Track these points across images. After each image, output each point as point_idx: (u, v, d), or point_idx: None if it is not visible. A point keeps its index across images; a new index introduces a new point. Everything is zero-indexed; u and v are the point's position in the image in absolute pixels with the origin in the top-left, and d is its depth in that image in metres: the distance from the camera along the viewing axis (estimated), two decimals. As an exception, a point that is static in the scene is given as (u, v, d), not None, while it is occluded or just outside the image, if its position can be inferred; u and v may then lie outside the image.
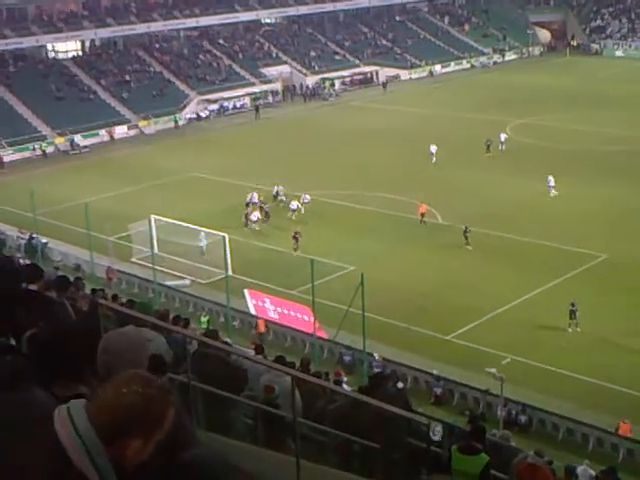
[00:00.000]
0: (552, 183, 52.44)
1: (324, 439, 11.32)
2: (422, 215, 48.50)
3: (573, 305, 35.59)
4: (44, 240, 46.34)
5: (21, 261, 21.21)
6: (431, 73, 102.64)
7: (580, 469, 20.71)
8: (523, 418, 29.53)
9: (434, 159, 60.01)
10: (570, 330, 35.53)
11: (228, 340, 27.42)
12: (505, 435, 17.40)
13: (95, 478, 3.08)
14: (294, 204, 50.55)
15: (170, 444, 3.91)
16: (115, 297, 21.51)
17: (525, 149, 63.49)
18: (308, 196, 52.01)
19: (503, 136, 64.37)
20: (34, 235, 46.14)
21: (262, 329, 37.09)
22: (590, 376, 31.90)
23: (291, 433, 9.73)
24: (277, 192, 53.68)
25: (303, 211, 50.72)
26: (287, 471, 7.02)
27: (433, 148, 60.71)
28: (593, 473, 20.73)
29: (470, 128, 70.20)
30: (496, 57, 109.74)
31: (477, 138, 64.54)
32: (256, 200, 51.51)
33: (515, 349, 33.72)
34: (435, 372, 32.14)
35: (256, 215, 49.43)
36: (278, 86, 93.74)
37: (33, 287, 7.60)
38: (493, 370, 27.58)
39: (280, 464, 7.63)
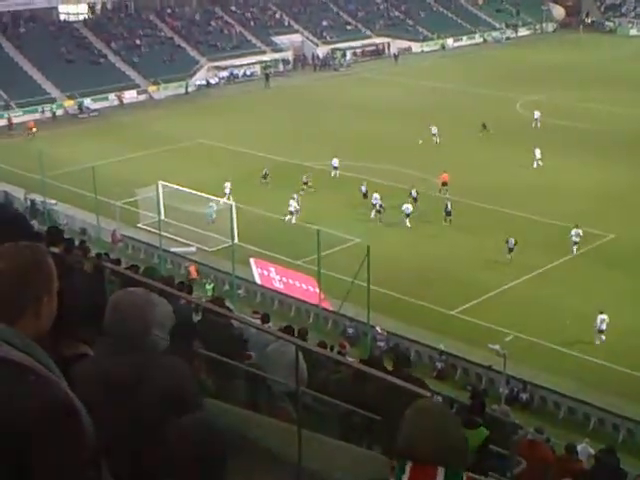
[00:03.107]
0: (538, 155, 53.24)
1: (325, 409, 11.31)
2: (443, 184, 48.53)
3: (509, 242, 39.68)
4: (52, 201, 46.40)
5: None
6: (443, 47, 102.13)
7: (580, 447, 20.70)
8: (524, 395, 29.55)
9: (437, 139, 58.76)
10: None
11: (232, 308, 27.43)
12: (505, 410, 17.36)
13: (29, 361, 3.10)
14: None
15: (175, 408, 3.87)
16: (118, 262, 21.27)
17: (533, 126, 63.06)
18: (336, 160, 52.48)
19: (537, 113, 63.96)
20: (34, 198, 46.42)
21: (194, 274, 38.21)
22: (593, 356, 31.90)
23: (294, 402, 9.72)
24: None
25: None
26: (288, 439, 6.99)
27: (434, 129, 59.20)
28: (592, 452, 20.72)
29: (480, 103, 69.88)
30: (509, 32, 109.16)
31: (486, 113, 64.22)
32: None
33: (519, 326, 33.71)
34: (442, 346, 32.14)
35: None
36: (289, 55, 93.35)
37: (54, 250, 7.56)
38: (496, 346, 27.53)
39: (281, 432, 7.61)
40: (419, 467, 3.19)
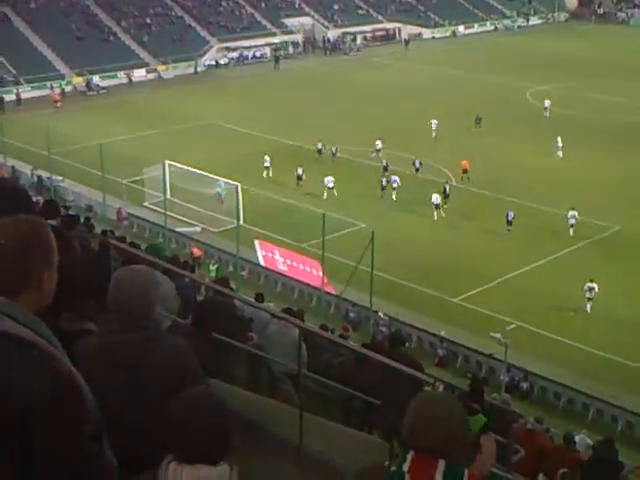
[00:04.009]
0: (560, 144, 53.20)
1: (326, 392, 11.33)
2: (464, 171, 48.53)
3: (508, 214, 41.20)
4: (59, 177, 46.43)
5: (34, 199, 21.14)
6: (454, 33, 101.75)
7: (578, 438, 20.74)
8: (525, 385, 29.61)
9: (434, 134, 57.19)
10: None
11: (235, 289, 27.44)
12: (505, 399, 17.39)
13: (32, 336, 3.10)
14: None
15: (178, 386, 3.89)
16: (123, 240, 21.26)
17: (543, 115, 62.91)
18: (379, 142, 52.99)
19: (547, 102, 63.77)
20: (41, 174, 46.50)
21: (197, 253, 38.62)
22: (595, 347, 31.88)
23: (295, 384, 9.74)
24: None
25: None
26: (288, 421, 7.02)
27: (434, 123, 57.76)
28: (590, 442, 20.76)
29: (490, 91, 69.68)
30: (520, 21, 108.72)
31: (496, 102, 64.09)
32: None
33: (521, 316, 33.70)
34: (443, 333, 32.18)
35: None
36: (299, 38, 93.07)
37: (52, 222, 7.56)
38: (498, 335, 27.56)
39: (282, 414, 7.63)
40: (420, 457, 3.20)
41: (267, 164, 49.94)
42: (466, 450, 3.30)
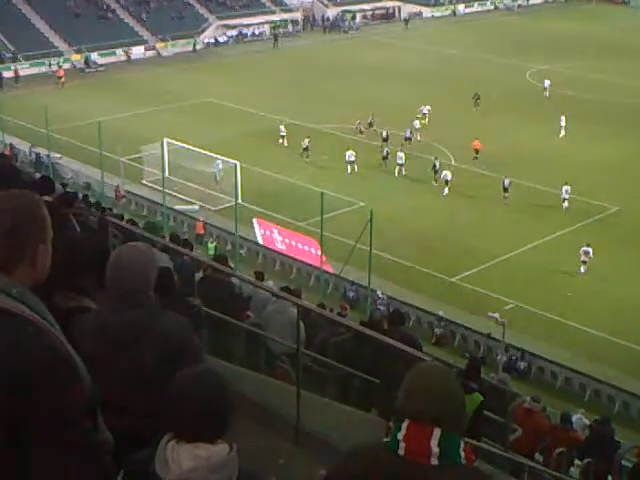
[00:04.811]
0: (563, 123, 53.47)
1: (324, 370, 11.36)
2: (476, 151, 48.60)
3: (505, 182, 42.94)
4: (58, 155, 46.34)
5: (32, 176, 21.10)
6: (454, 12, 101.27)
7: (575, 417, 20.81)
8: (522, 364, 29.67)
9: (424, 122, 55.05)
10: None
11: (233, 267, 27.47)
12: (503, 378, 17.43)
13: (27, 312, 3.10)
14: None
15: (176, 363, 3.88)
16: (121, 218, 21.27)
17: (543, 96, 62.77)
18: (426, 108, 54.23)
19: (547, 82, 63.65)
20: (39, 152, 46.41)
21: (200, 230, 39.14)
22: (593, 327, 31.93)
23: (293, 362, 9.76)
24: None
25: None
26: (286, 399, 7.03)
27: (425, 109, 56.32)
28: (587, 422, 20.84)
29: (490, 71, 69.53)
30: (520, 0, 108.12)
31: (495, 82, 63.95)
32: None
33: (520, 296, 33.75)
34: (441, 313, 32.22)
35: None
36: (298, 16, 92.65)
37: (46, 199, 7.54)
38: (496, 315, 27.55)
39: (280, 392, 7.64)
40: (415, 425, 3.20)
41: (283, 133, 51.88)
42: (462, 420, 3.31)
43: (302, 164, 47.76)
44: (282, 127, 52.18)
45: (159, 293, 8.41)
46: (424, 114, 55.13)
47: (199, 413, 3.26)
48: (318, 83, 65.91)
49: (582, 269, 36.04)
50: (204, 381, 3.37)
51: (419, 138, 52.02)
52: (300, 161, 48.23)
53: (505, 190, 43.19)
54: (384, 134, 50.39)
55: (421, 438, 3.18)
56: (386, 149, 48.38)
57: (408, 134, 51.01)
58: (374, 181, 46.03)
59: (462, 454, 3.23)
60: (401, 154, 47.11)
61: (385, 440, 3.27)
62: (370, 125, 53.16)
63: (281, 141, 51.69)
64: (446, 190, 44.33)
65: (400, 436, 3.21)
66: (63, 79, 66.65)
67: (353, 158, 47.04)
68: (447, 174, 44.66)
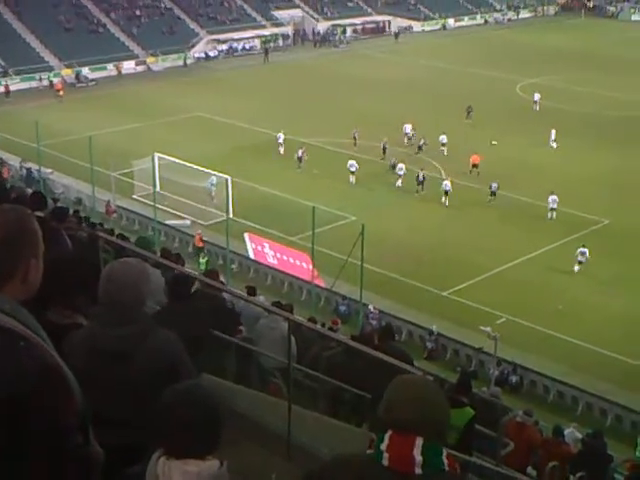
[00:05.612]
0: (553, 136, 53.94)
1: (316, 385, 11.34)
2: (474, 166, 48.71)
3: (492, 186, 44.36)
4: (49, 170, 46.25)
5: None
6: (444, 26, 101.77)
7: (567, 431, 20.81)
8: (514, 378, 29.65)
9: (406, 141, 54.68)
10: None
11: (225, 282, 27.41)
12: (495, 392, 17.43)
13: (18, 327, 3.08)
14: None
15: (168, 380, 3.87)
16: (111, 232, 21.22)
17: (533, 109, 63.02)
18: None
19: (537, 95, 63.90)
20: (30, 167, 46.34)
21: (199, 243, 39.07)
22: (585, 340, 31.92)
23: (284, 377, 9.73)
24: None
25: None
26: (278, 414, 7.02)
27: (407, 127, 54.97)
28: (580, 436, 20.83)
29: (480, 84, 69.77)
30: (510, 14, 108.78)
31: (486, 95, 64.18)
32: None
33: (511, 309, 33.75)
34: (434, 328, 32.17)
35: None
36: (289, 30, 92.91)
37: (38, 214, 7.53)
38: (487, 329, 27.58)
39: (271, 407, 7.63)
40: (398, 436, 3.23)
41: (281, 141, 52.36)
42: (443, 428, 3.33)
43: (294, 178, 47.73)
44: (281, 134, 52.49)
45: (174, 298, 8.41)
46: (406, 134, 54.74)
47: (189, 429, 3.26)
48: (309, 97, 66.03)
49: (576, 268, 37.06)
50: (193, 397, 3.36)
51: (445, 153, 52.20)
52: (292, 175, 48.20)
53: (492, 194, 44.36)
54: (382, 145, 51.04)
55: (404, 448, 3.21)
56: (393, 159, 48.65)
57: (421, 143, 51.92)
58: (368, 193, 46.12)
59: (445, 461, 3.26)
60: (402, 165, 47.41)
61: (369, 452, 3.28)
62: (383, 151, 51.79)
63: (280, 149, 52.15)
64: (445, 200, 44.69)
65: (383, 447, 3.23)
66: (62, 92, 66.69)
67: (354, 169, 47.34)
68: (447, 184, 44.93)
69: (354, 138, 53.21)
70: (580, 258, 37.04)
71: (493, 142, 53.77)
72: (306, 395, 10.51)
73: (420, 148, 52.36)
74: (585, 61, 78.72)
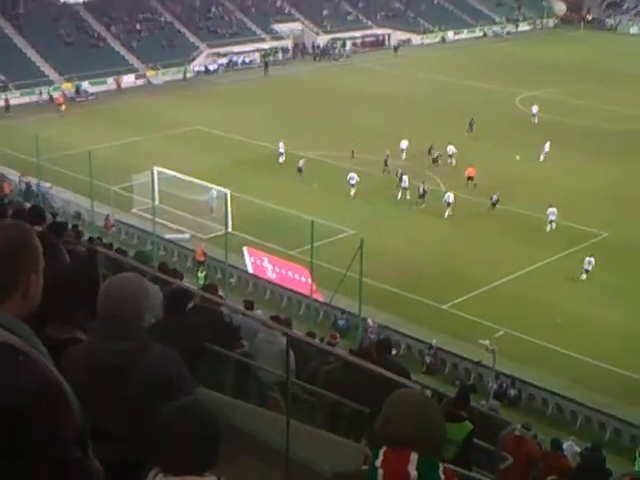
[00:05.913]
0: (547, 149, 54.18)
1: (314, 400, 11.33)
2: (470, 178, 48.84)
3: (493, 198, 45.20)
4: (48, 184, 46.26)
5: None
6: (443, 39, 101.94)
7: (566, 445, 20.78)
8: (513, 392, 29.62)
9: (404, 155, 54.03)
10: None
11: (224, 296, 27.42)
12: (493, 406, 17.41)
13: (17, 342, 3.10)
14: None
15: (166, 395, 3.89)
16: (110, 247, 21.24)
17: (532, 122, 63.09)
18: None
19: (535, 108, 63.99)
20: (29, 181, 46.35)
21: (201, 257, 39.18)
22: (583, 354, 31.94)
23: (283, 392, 9.74)
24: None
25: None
26: (276, 429, 7.03)
27: (404, 144, 54.31)
28: (578, 449, 20.80)
29: (479, 97, 69.84)
30: (509, 27, 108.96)
31: (485, 108, 64.27)
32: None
33: (510, 322, 33.75)
34: (434, 342, 32.13)
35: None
36: (289, 43, 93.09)
37: (37, 228, 7.56)
38: (486, 342, 27.60)
39: (269, 422, 7.64)
40: (392, 451, 3.23)
41: (282, 150, 53.05)
42: (439, 443, 3.33)
43: (293, 191, 47.75)
44: (281, 144, 53.07)
45: (170, 311, 8.45)
46: (402, 150, 54.40)
47: (186, 445, 3.27)
48: (308, 110, 66.08)
49: (583, 276, 37.97)
50: (191, 413, 3.37)
51: (454, 164, 52.37)
52: (291, 188, 48.23)
53: (493, 205, 45.03)
54: (385, 157, 51.24)
55: (398, 464, 3.21)
56: (399, 170, 48.77)
57: (436, 155, 52.32)
58: (367, 206, 46.17)
59: (442, 476, 3.25)
60: (406, 177, 47.56)
61: (364, 468, 3.29)
62: (385, 164, 51.77)
63: (280, 159, 52.77)
64: (448, 213, 45.03)
65: (378, 463, 3.23)
66: (64, 107, 66.77)
67: (354, 181, 47.51)
68: (450, 196, 45.11)
69: (352, 151, 53.33)
70: (587, 267, 37.73)
71: (517, 157, 53.68)
72: (304, 410, 10.51)
73: (436, 160, 52.45)
74: (584, 74, 78.85)
